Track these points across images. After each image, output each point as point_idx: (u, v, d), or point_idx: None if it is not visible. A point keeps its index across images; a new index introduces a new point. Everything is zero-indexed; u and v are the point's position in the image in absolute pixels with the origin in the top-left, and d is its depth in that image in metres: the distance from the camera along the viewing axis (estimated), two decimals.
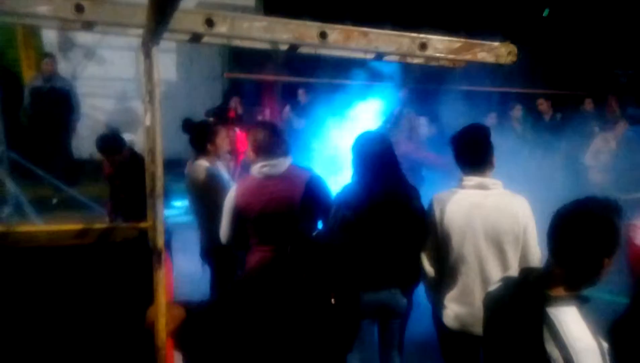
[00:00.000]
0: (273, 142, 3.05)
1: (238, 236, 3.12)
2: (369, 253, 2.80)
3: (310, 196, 3.00)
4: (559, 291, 1.66)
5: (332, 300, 2.28)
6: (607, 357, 1.55)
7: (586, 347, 1.55)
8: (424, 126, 5.74)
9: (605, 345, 1.58)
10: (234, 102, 7.16)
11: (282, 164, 3.04)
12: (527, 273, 1.82)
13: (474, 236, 2.64)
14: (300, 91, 7.94)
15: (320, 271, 1.97)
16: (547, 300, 1.64)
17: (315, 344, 1.88)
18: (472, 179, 2.68)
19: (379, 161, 2.85)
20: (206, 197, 3.61)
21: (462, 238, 2.66)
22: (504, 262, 2.63)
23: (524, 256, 2.65)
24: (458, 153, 2.74)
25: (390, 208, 2.83)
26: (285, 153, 3.07)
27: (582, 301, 1.64)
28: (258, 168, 3.02)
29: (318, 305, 1.96)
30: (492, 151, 2.70)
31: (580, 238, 1.63)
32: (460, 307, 2.70)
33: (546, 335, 1.59)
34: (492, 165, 2.71)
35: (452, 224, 2.67)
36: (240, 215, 3.05)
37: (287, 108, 7.81)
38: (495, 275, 2.54)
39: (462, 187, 2.71)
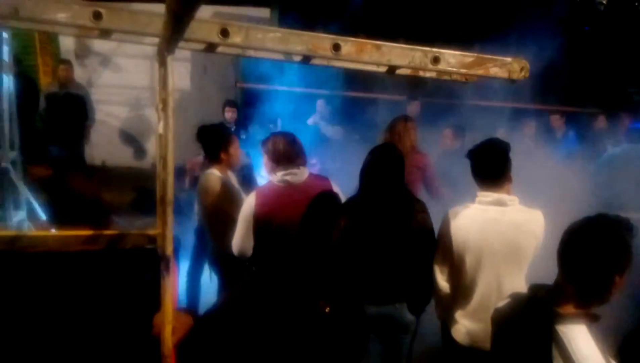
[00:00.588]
0: (293, 150, 3.07)
1: (256, 246, 3.10)
2: (370, 265, 2.79)
3: (330, 205, 3.01)
4: (569, 308, 1.64)
5: (327, 309, 2.26)
6: None
7: None
8: (447, 139, 5.68)
9: None
10: (230, 112, 6.92)
11: (303, 173, 3.07)
12: (536, 289, 1.80)
13: (492, 253, 2.62)
14: (320, 102, 7.72)
15: (314, 282, 1.98)
16: (557, 318, 1.62)
17: (315, 356, 1.88)
18: (489, 196, 2.66)
19: (382, 174, 2.82)
20: (218, 207, 3.61)
21: (479, 254, 2.63)
22: (522, 279, 2.61)
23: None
24: (475, 167, 2.73)
25: (392, 220, 2.80)
26: (304, 162, 3.10)
27: (591, 320, 1.62)
28: (279, 176, 3.03)
29: (313, 315, 1.95)
30: (510, 166, 2.68)
31: (590, 255, 1.61)
32: (474, 323, 2.68)
33: (555, 353, 1.58)
34: (509, 180, 2.68)
35: (468, 240, 2.65)
36: (260, 225, 3.04)
37: (317, 116, 7.58)
38: (513, 291, 2.53)
39: (479, 203, 2.69)
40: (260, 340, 1.71)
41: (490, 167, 2.67)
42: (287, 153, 3.06)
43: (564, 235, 1.70)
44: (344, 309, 2.77)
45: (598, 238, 1.62)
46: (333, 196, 3.09)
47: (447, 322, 2.85)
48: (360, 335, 2.87)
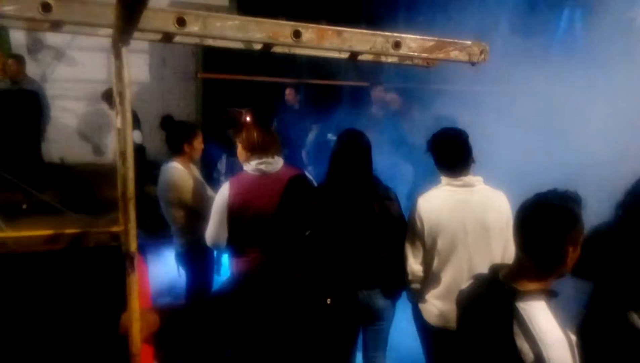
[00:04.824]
0: (268, 140, 3.06)
1: (231, 236, 3.07)
2: (340, 254, 2.79)
3: (304, 194, 3.00)
4: (528, 285, 1.69)
5: (329, 300, 2.27)
6: (576, 350, 1.59)
7: (555, 341, 1.58)
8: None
9: (573, 338, 1.61)
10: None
11: (277, 162, 3.05)
12: (497, 269, 1.85)
13: (464, 234, 2.67)
14: (288, 91, 7.28)
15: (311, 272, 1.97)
16: (516, 295, 1.67)
17: (311, 347, 1.88)
18: (457, 180, 2.72)
19: (348, 160, 2.82)
20: (182, 200, 3.56)
21: (452, 236, 2.68)
22: (490, 257, 2.66)
23: (505, 250, 2.69)
24: (439, 158, 2.79)
25: (353, 207, 2.81)
26: (278, 152, 3.09)
27: (550, 295, 1.68)
28: (253, 166, 3.01)
29: (313, 306, 1.96)
30: (471, 152, 2.76)
31: (543, 229, 1.67)
32: (446, 304, 2.71)
33: (516, 330, 1.62)
34: (473, 163, 2.76)
35: (440, 223, 2.69)
36: (234, 214, 3.00)
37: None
38: (483, 270, 2.58)
39: (448, 185, 2.74)
40: (254, 334, 1.70)
41: (454, 158, 2.74)
42: (261, 142, 3.04)
43: (518, 212, 1.75)
44: (343, 299, 2.78)
45: (548, 212, 1.67)
46: (307, 185, 3.08)
47: (419, 304, 2.88)
48: (354, 324, 2.89)
